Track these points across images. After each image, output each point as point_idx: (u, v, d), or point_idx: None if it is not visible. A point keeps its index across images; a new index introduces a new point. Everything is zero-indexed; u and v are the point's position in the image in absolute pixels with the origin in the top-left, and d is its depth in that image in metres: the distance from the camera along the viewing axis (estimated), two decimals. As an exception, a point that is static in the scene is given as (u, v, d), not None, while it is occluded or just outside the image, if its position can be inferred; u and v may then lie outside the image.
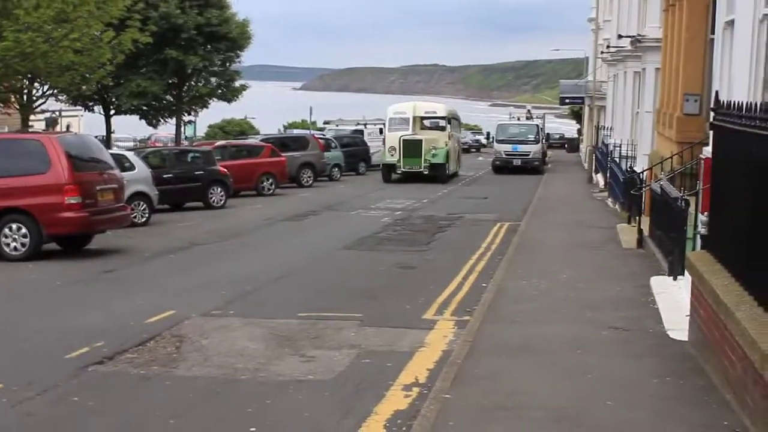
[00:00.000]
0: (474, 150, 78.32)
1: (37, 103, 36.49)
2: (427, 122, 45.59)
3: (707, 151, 13.09)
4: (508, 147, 50.08)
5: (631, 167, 26.73)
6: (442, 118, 45.08)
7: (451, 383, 8.78)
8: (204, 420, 8.26)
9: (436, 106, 46.96)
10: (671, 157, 20.58)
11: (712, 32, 17.29)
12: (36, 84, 35.36)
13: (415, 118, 43.82)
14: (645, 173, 22.88)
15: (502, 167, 49.15)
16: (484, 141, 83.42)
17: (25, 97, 35.24)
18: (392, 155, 41.85)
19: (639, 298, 13.15)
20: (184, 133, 60.90)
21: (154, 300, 13.84)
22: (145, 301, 13.75)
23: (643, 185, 20.74)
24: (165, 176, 28.71)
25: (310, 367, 9.97)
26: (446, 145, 42.66)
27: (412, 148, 41.38)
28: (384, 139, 43.79)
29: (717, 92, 10.70)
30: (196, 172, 30.25)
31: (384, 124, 45.98)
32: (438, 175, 41.20)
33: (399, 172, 41.67)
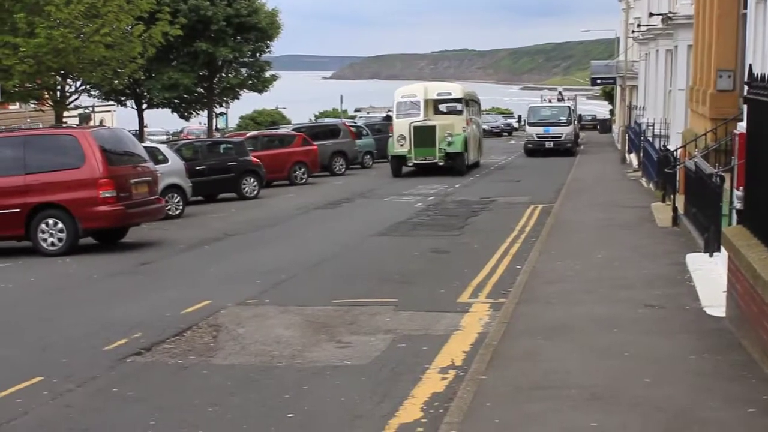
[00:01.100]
0: (506, 134, 77.97)
1: (70, 99, 36.78)
2: (441, 106, 40.12)
3: (741, 126, 12.97)
4: (540, 129, 49.81)
5: (664, 146, 26.51)
6: (458, 100, 39.32)
7: (487, 365, 8.77)
8: (242, 407, 8.31)
9: (451, 87, 41.52)
10: (705, 134, 20.39)
11: (745, 7, 17.10)
12: (69, 80, 35.63)
13: (426, 101, 38.43)
14: (679, 151, 22.68)
15: (535, 150, 48.89)
16: (515, 124, 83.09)
17: (58, 93, 35.52)
18: (402, 145, 36.62)
19: (675, 275, 13.06)
20: (216, 124, 61.18)
21: (189, 291, 13.94)
22: (181, 292, 13.85)
23: (677, 163, 20.58)
24: (198, 168, 28.89)
25: (346, 353, 10.00)
26: (464, 131, 37.51)
27: (424, 135, 36.18)
28: (392, 127, 38.71)
29: (750, 66, 10.59)
30: (229, 163, 30.39)
31: (391, 109, 40.91)
32: (456, 165, 36.48)
33: (410, 164, 36.82)
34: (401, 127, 36.77)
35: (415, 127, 36.25)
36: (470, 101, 41.28)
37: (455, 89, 40.54)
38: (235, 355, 10.12)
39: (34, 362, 10.08)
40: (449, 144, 36.27)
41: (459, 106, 39.11)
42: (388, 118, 41.07)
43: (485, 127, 78.10)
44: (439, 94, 39.55)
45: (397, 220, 21.93)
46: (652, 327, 10.14)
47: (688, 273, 13.10)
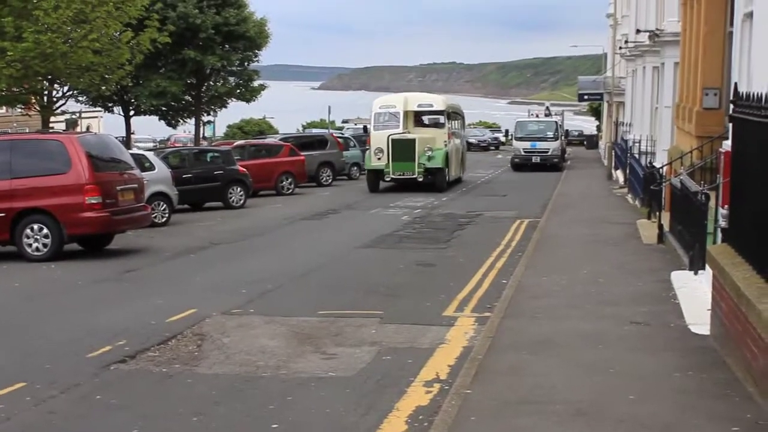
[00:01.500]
0: (493, 148, 78.18)
1: (57, 105, 36.70)
2: (422, 118, 38.47)
3: (727, 144, 13.05)
4: (527, 144, 49.97)
5: (650, 163, 26.65)
6: (440, 112, 37.53)
7: (472, 379, 8.77)
8: (226, 417, 8.29)
9: (433, 98, 39.53)
10: (691, 152, 20.49)
11: (731, 25, 17.21)
12: (56, 85, 35.57)
13: (406, 113, 36.52)
14: (665, 168, 22.80)
15: (522, 165, 49.02)
16: (502, 139, 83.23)
17: (45, 98, 35.44)
18: (379, 158, 34.71)
19: (660, 293, 13.11)
20: (204, 133, 61.12)
21: (175, 299, 13.90)
22: (166, 300, 13.81)
23: (663, 180, 20.68)
24: (185, 176, 28.84)
25: (331, 365, 9.98)
26: (445, 145, 35.88)
27: (403, 149, 34.31)
28: (369, 139, 37.00)
29: (736, 84, 10.66)
30: (216, 172, 30.35)
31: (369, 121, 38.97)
32: (436, 182, 34.78)
33: (388, 179, 34.90)
34: (379, 139, 34.96)
35: (393, 140, 34.41)
36: (453, 114, 39.65)
37: (437, 101, 38.80)
38: (220, 364, 10.09)
39: (17, 368, 10.03)
40: (429, 159, 34.61)
41: (441, 119, 37.49)
42: (366, 130, 39.34)
43: (472, 140, 78.41)
44: (419, 106, 37.63)
45: (383, 233, 21.94)
46: (637, 344, 10.17)
47: (673, 290, 13.15)
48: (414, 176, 34.44)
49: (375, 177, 35.17)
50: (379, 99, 38.14)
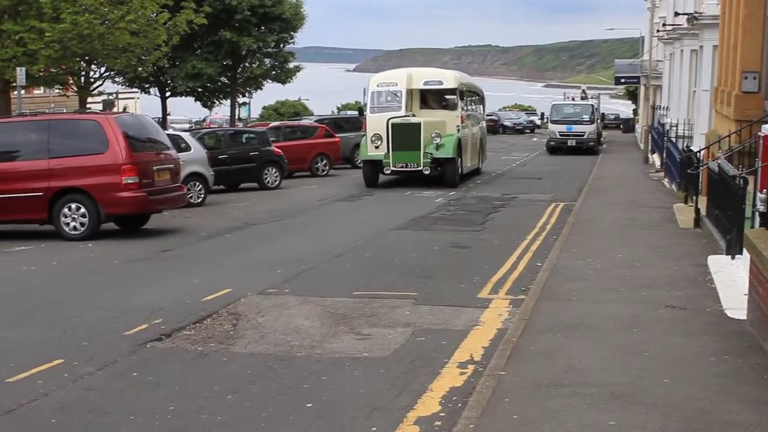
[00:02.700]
0: (528, 131, 77.89)
1: (94, 85, 36.98)
2: (429, 98, 32.76)
3: (766, 128, 12.93)
4: (563, 127, 49.71)
5: (687, 146, 26.44)
6: (452, 91, 31.83)
7: (506, 360, 8.78)
8: (261, 396, 8.34)
9: (443, 74, 33.37)
10: (729, 136, 20.31)
11: (772, 8, 17.01)
12: (93, 66, 35.82)
13: (410, 91, 31.10)
14: (702, 152, 22.61)
15: (557, 148, 48.81)
16: (538, 122, 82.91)
17: (82, 79, 35.70)
18: (377, 147, 29.45)
19: (696, 277, 13.03)
20: (239, 114, 61.30)
21: (210, 279, 13.98)
22: (202, 280, 13.90)
23: (700, 164, 20.51)
24: (220, 157, 28.96)
25: (365, 345, 10.01)
26: (458, 130, 30.46)
27: (405, 135, 28.89)
28: (365, 124, 31.53)
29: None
30: (251, 153, 30.46)
31: (364, 102, 34.07)
32: (445, 175, 29.48)
33: (387, 171, 29.49)
34: (377, 123, 29.59)
35: (393, 125, 29.02)
36: (468, 93, 33.98)
37: (448, 77, 32.53)
38: (255, 343, 10.15)
39: (56, 345, 10.14)
40: (437, 147, 29.27)
41: (453, 99, 31.89)
42: (361, 112, 34.35)
43: (507, 123, 78.27)
44: (426, 83, 31.71)
45: (418, 214, 21.94)
46: (672, 327, 10.12)
47: (709, 275, 13.07)
48: (419, 168, 29.11)
49: (372, 169, 30.00)
50: (377, 75, 32.75)
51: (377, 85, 31.00)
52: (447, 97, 32.28)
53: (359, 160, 32.48)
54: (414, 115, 30.40)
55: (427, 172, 29.12)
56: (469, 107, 33.74)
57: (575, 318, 10.56)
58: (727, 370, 8.44)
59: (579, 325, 10.18)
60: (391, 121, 29.06)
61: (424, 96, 32.43)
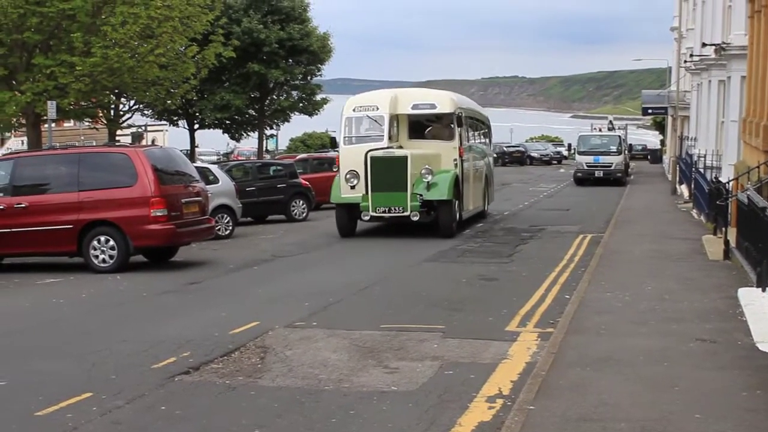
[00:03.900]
0: (555, 162, 77.83)
1: (123, 118, 37.27)
2: (420, 126, 27.07)
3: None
4: (590, 158, 49.64)
5: (716, 177, 26.31)
6: (447, 117, 25.88)
7: (535, 395, 8.72)
8: (288, 430, 8.31)
9: (436, 96, 26.81)
10: (758, 167, 20.22)
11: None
12: (122, 99, 36.14)
13: (395, 118, 25.68)
14: (731, 183, 22.49)
15: (584, 179, 48.72)
16: (565, 153, 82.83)
17: (112, 112, 36.00)
18: (353, 186, 24.05)
19: (726, 309, 12.92)
20: (267, 146, 61.58)
21: (238, 311, 14.00)
22: (230, 312, 13.92)
23: (729, 195, 20.40)
24: (248, 189, 29.09)
25: (393, 379, 9.98)
26: (455, 165, 24.96)
27: (388, 172, 23.46)
28: (338, 158, 26.33)
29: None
30: (279, 185, 30.59)
31: (338, 131, 27.34)
32: (440, 221, 23.84)
33: (366, 217, 23.86)
34: (352, 158, 24.20)
35: (373, 159, 23.46)
36: (470, 120, 28.33)
37: (442, 99, 26.31)
38: (283, 377, 10.14)
39: (84, 378, 10.17)
40: (429, 186, 23.65)
41: (449, 127, 25.90)
42: (334, 144, 29.05)
43: (534, 154, 78.20)
44: (415, 107, 25.84)
45: (445, 246, 21.90)
46: (703, 361, 10.03)
47: (740, 307, 12.95)
48: (406, 213, 23.57)
49: (347, 215, 24.43)
50: (354, 98, 26.53)
51: (353, 110, 25.37)
52: (441, 124, 26.42)
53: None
54: (400, 147, 25.19)
55: (416, 218, 23.51)
56: (471, 137, 28.45)
57: (604, 351, 10.49)
58: (759, 404, 8.34)
59: (608, 359, 10.11)
60: (370, 155, 23.48)
61: (414, 123, 26.76)
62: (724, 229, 19.57)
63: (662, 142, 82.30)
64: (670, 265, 17.67)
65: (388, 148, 24.34)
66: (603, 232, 24.38)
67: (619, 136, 53.14)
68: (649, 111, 69.01)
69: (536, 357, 10.70)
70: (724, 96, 30.77)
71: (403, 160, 23.56)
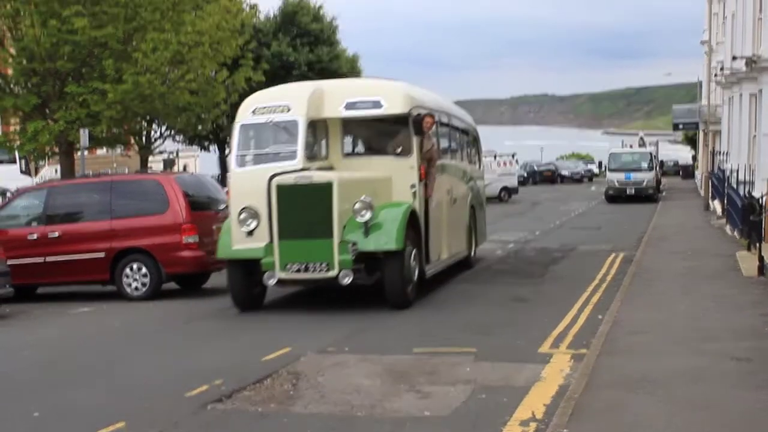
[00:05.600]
0: (586, 180, 77.67)
1: (155, 145, 37.49)
2: (360, 135, 18.65)
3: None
4: (621, 176, 49.49)
5: (749, 192, 26.10)
6: (398, 119, 17.00)
7: (569, 418, 8.65)
8: (321, 457, 8.29)
9: (383, 90, 17.35)
10: (792, 182, 20.05)
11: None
12: (154, 125, 36.36)
13: (318, 124, 17.06)
14: (765, 198, 22.30)
15: (616, 196, 48.55)
16: (596, 170, 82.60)
17: (143, 138, 36.24)
18: (249, 231, 15.86)
19: (762, 327, 12.80)
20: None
21: (270, 337, 14.00)
22: (261, 339, 13.93)
23: (763, 211, 20.23)
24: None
25: (426, 403, 9.93)
26: (413, 195, 16.66)
27: (304, 208, 15.42)
28: (228, 189, 18.41)
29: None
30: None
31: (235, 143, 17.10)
32: (387, 284, 15.89)
33: (271, 281, 15.75)
34: (248, 187, 16.02)
35: (281, 189, 15.42)
36: (444, 127, 19.86)
37: (392, 95, 17.11)
38: (315, 403, 10.12)
39: (118, 406, 10.19)
40: (368, 230, 15.49)
41: (402, 135, 17.12)
42: (223, 167, 17.63)
43: (565, 173, 78.06)
44: (351, 107, 16.89)
45: (477, 267, 21.83)
46: (739, 380, 9.93)
47: (775, 325, 12.83)
48: (331, 274, 15.48)
49: (244, 275, 16.32)
50: (255, 96, 17.83)
51: (253, 113, 16.91)
52: (391, 132, 17.68)
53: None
54: (330, 168, 16.76)
55: (346, 281, 15.46)
56: (449, 151, 20.15)
57: (638, 372, 10.40)
58: (796, 425, 8.25)
59: (642, 380, 10.03)
60: (275, 182, 15.43)
61: (350, 132, 18.17)
62: (758, 244, 19.41)
63: (694, 158, 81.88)
64: (704, 283, 17.53)
65: (303, 170, 15.79)
66: (635, 250, 24.23)
67: (650, 153, 52.95)
68: (680, 126, 68.80)
69: (569, 379, 10.62)
70: (756, 109, 30.57)
71: (326, 189, 15.35)
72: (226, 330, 15.19)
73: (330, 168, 16.74)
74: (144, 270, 18.77)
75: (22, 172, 41.88)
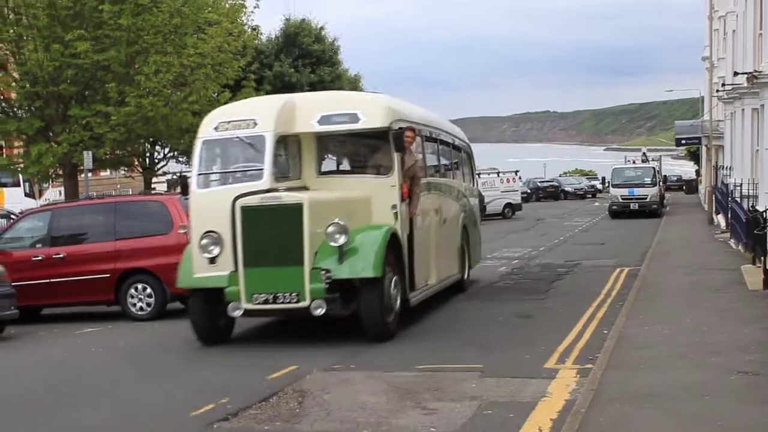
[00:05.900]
0: (590, 196, 77.76)
1: (158, 166, 37.54)
2: (336, 152, 17.74)
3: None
4: (625, 191, 49.58)
5: (753, 206, 26.09)
6: (377, 134, 15.55)
7: (575, 433, 8.64)
8: (328, 474, 8.28)
9: (360, 103, 16.27)
10: (795, 195, 20.05)
11: (832, 66, 16.88)
12: (157, 147, 36.42)
13: (290, 140, 15.66)
14: (768, 212, 22.29)
15: (619, 212, 48.62)
16: (599, 186, 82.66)
17: (147, 160, 36.29)
18: (211, 259, 14.46)
19: None
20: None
21: (275, 356, 13.97)
22: (267, 358, 13.90)
23: (767, 224, 20.22)
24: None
25: (432, 420, 9.92)
26: (395, 216, 15.16)
27: (272, 232, 14.02)
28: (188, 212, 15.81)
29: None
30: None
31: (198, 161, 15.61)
32: (364, 313, 14.44)
33: (236, 312, 14.32)
34: (211, 209, 14.68)
35: (246, 211, 14.10)
36: (431, 142, 18.76)
37: (370, 108, 15.82)
38: (321, 421, 10.10)
39: (123, 427, 10.20)
40: (342, 255, 14.08)
41: (382, 152, 15.82)
42: (184, 187, 14.81)
43: (568, 189, 78.13)
44: (325, 121, 15.49)
45: (481, 284, 21.82)
46: (745, 394, 9.91)
47: (781, 338, 12.81)
48: (303, 304, 14.10)
49: (206, 306, 14.95)
50: (220, 109, 17.15)
51: (215, 128, 15.50)
52: (370, 148, 16.63)
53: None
54: (302, 188, 15.51)
55: (319, 312, 14.12)
56: (437, 169, 19.05)
57: (644, 387, 10.39)
58: (803, 437, 8.23)
59: (648, 395, 10.01)
60: (240, 204, 14.12)
61: (327, 148, 17.01)
62: (762, 258, 19.39)
63: (697, 172, 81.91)
64: (709, 297, 17.52)
65: (270, 191, 14.43)
66: (640, 265, 24.22)
67: (654, 168, 53.07)
68: (683, 141, 68.80)
69: (576, 394, 10.60)
70: (758, 124, 30.58)
71: (295, 211, 14.02)
72: (232, 349, 15.16)
73: (302, 188, 15.42)
74: (149, 290, 18.80)
75: (26, 194, 42.02)
